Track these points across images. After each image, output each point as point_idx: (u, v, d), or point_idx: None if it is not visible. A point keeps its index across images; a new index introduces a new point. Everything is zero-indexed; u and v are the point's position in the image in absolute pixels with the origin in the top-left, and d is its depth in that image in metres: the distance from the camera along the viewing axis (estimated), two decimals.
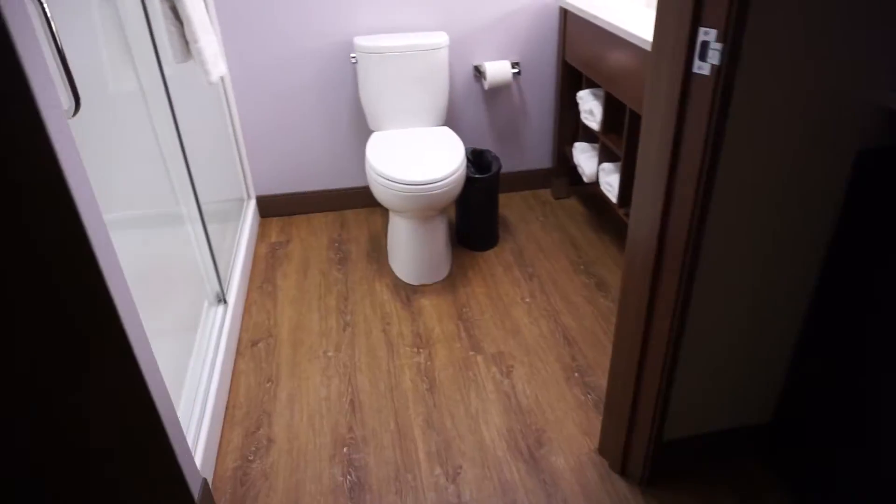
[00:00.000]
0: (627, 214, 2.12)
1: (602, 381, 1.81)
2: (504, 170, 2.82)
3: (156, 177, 1.58)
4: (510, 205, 2.77)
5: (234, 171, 2.51)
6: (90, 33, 1.31)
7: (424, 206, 2.01)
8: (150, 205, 1.53)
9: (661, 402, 1.35)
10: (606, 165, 2.24)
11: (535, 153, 2.81)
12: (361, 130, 2.61)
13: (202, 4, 1.76)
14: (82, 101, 1.02)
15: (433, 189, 1.97)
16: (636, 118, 1.98)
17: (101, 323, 0.94)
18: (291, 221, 2.70)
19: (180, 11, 1.64)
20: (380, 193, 2.06)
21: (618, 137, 2.19)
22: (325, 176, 2.69)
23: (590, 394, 1.77)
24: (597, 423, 1.67)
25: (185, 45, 1.70)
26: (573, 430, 1.65)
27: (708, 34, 0.94)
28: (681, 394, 1.36)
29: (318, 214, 2.75)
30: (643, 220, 1.21)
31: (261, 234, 2.61)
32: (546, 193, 2.86)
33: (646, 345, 1.32)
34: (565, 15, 2.39)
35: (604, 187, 2.26)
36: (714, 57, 0.94)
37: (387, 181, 1.99)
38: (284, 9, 2.31)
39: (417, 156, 2.12)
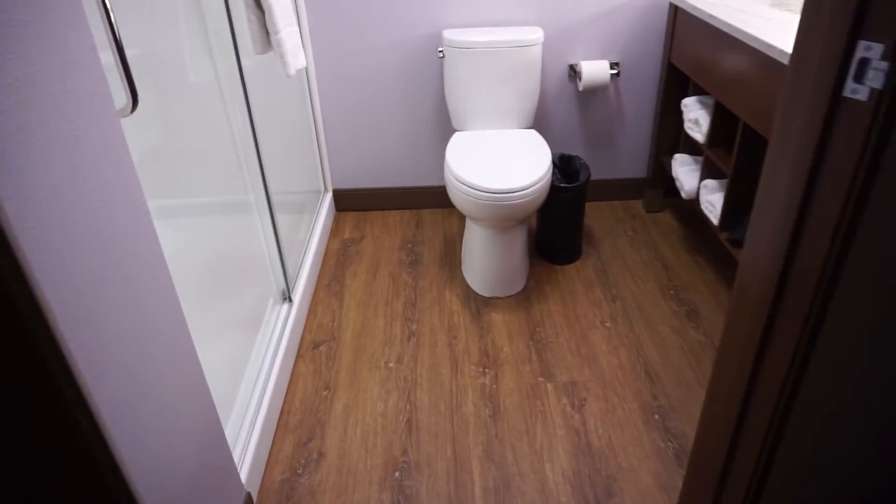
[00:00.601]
0: (731, 240, 1.89)
1: (686, 427, 1.61)
2: (593, 177, 2.63)
3: (226, 165, 1.53)
4: (597, 215, 2.57)
5: (313, 163, 2.46)
6: (171, 20, 1.26)
7: (503, 216, 1.87)
8: (218, 192, 1.48)
9: (761, 469, 1.16)
10: (709, 182, 2.01)
11: (628, 161, 2.60)
12: (445, 129, 2.50)
13: None
14: (154, 93, 0.95)
15: (513, 199, 1.82)
16: (750, 133, 1.75)
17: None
18: (367, 217, 2.63)
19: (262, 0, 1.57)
20: (457, 198, 1.94)
21: (725, 153, 1.96)
22: (403, 173, 2.60)
23: (671, 441, 1.58)
24: (677, 476, 1.48)
25: (266, 35, 1.63)
26: (648, 482, 1.48)
27: (870, 49, 0.74)
28: (786, 465, 1.16)
29: (394, 212, 2.67)
30: (759, 260, 1.02)
31: (335, 230, 2.55)
32: (637, 205, 2.64)
33: (748, 402, 1.13)
34: (675, 12, 2.17)
35: (704, 206, 2.03)
36: (876, 79, 0.74)
37: (464, 186, 1.86)
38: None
39: (500, 161, 1.97)
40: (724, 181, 2.00)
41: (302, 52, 1.79)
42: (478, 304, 2.08)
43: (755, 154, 1.79)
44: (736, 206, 1.89)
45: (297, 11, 2.20)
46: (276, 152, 1.89)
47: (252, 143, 1.65)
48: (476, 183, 1.83)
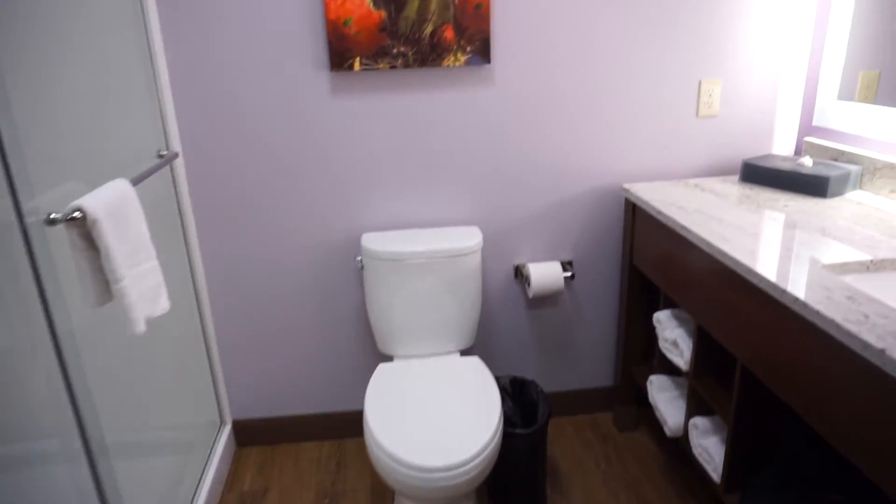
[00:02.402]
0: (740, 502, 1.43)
1: None
2: (553, 388, 2.19)
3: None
4: (560, 438, 2.11)
5: (205, 390, 1.94)
6: None
7: (441, 497, 1.38)
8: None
9: None
10: (700, 422, 1.60)
11: (592, 369, 2.19)
12: (369, 345, 2.05)
13: (137, 222, 1.27)
14: None
15: (454, 477, 1.34)
16: (750, 377, 1.37)
17: None
18: (275, 455, 2.08)
19: (96, 238, 1.14)
20: (381, 469, 1.44)
21: (716, 384, 1.56)
22: (320, 397, 2.10)
23: None
24: None
25: (105, 283, 1.19)
26: None
27: None
28: None
29: (310, 444, 2.13)
30: None
31: (232, 476, 1.98)
32: (606, 420, 2.20)
33: None
34: (633, 210, 1.87)
35: (697, 451, 1.60)
36: None
37: (388, 459, 1.38)
38: (272, 196, 1.85)
39: (435, 419, 1.51)
40: (717, 419, 1.59)
41: (164, 293, 1.34)
42: None
43: (760, 397, 1.39)
44: (743, 461, 1.46)
45: (183, 226, 1.79)
46: (127, 375, 1.38)
47: (55, 362, 1.13)
48: (403, 457, 1.35)
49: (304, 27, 1.69)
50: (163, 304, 1.33)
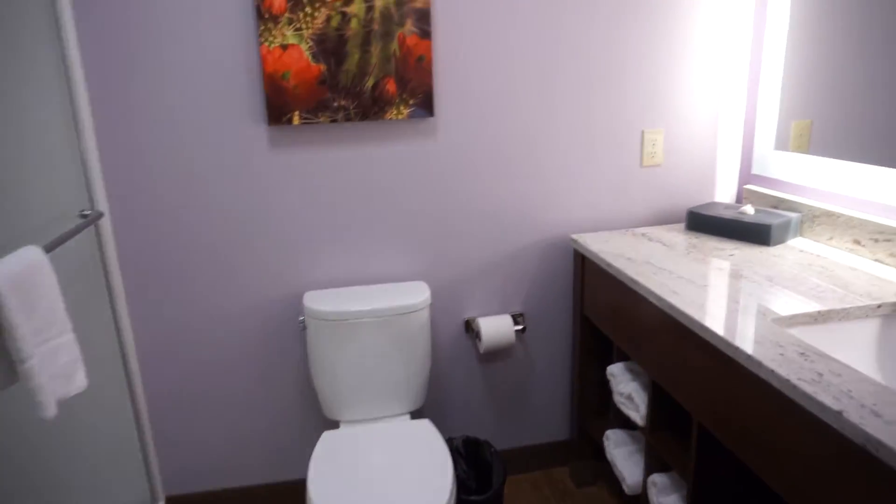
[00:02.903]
0: None
1: None
2: (508, 445, 2.12)
3: None
4: (518, 497, 2.02)
5: (134, 464, 1.78)
6: None
7: None
8: None
9: None
10: (659, 479, 1.55)
11: (547, 423, 2.13)
12: (313, 411, 1.94)
13: (49, 293, 1.16)
14: None
15: None
16: (707, 432, 1.33)
17: None
18: None
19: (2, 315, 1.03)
20: None
21: (673, 438, 1.52)
22: (263, 467, 1.96)
23: None
24: None
25: (9, 363, 1.07)
26: None
27: None
28: None
29: None
30: None
31: None
32: (563, 475, 2.13)
33: None
34: (582, 261, 1.85)
35: None
36: None
37: None
38: (208, 256, 1.75)
39: (382, 490, 1.41)
40: (676, 475, 1.55)
41: (81, 369, 1.22)
42: None
43: (719, 452, 1.36)
44: None
45: (109, 290, 1.67)
46: (42, 457, 1.24)
47: None
48: None
49: (241, 80, 1.63)
50: (79, 382, 1.21)
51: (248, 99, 1.65)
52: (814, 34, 1.64)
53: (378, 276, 1.85)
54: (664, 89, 1.86)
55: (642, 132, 1.89)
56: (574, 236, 1.84)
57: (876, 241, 1.48)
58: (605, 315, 1.73)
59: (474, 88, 1.76)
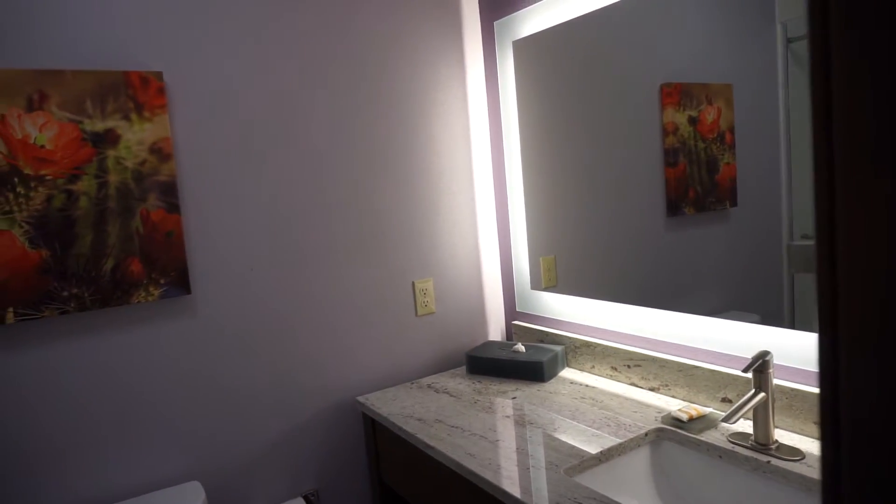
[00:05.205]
0: None
1: None
2: None
3: None
4: None
5: None
6: None
7: None
8: None
9: None
10: None
11: None
12: None
13: None
14: None
15: None
16: None
17: None
18: None
19: None
20: None
21: None
22: None
23: None
24: None
25: None
26: None
27: None
28: None
29: None
30: None
31: None
32: None
33: None
34: (373, 424, 1.75)
35: None
36: None
37: None
38: None
39: None
40: None
41: None
42: None
43: None
44: None
45: None
46: None
47: None
48: None
49: None
50: None
51: None
52: (544, 175, 1.86)
53: (140, 486, 1.53)
54: (428, 240, 1.94)
55: (413, 283, 1.92)
56: (360, 398, 1.75)
57: (629, 366, 1.65)
58: (404, 480, 1.63)
59: (236, 258, 1.64)
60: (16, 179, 1.35)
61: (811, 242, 1.24)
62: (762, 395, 1.21)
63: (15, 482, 1.40)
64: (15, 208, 1.35)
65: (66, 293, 1.41)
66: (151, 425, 1.55)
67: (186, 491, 1.52)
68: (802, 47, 1.23)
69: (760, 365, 1.22)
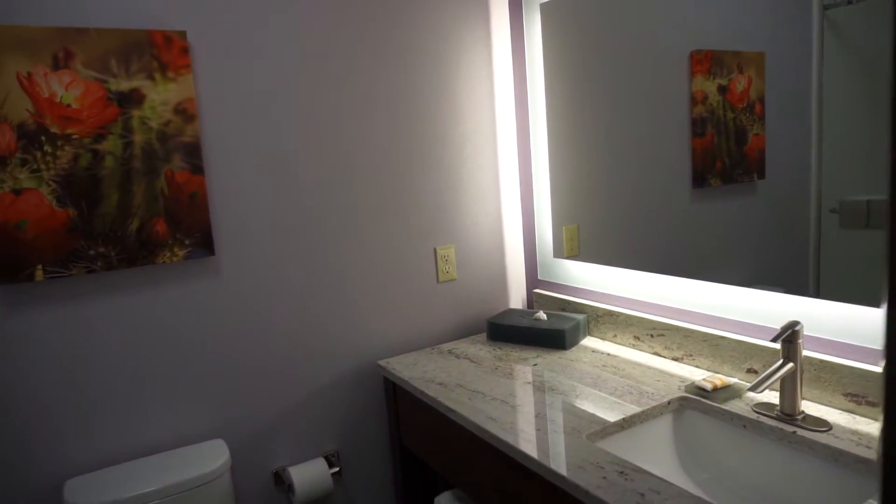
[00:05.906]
0: None
1: None
2: None
3: None
4: None
5: None
6: None
7: None
8: None
9: None
10: None
11: None
12: None
13: None
14: None
15: None
16: None
17: None
18: None
19: None
20: None
21: None
22: None
23: None
24: None
25: None
26: None
27: None
28: None
29: None
30: None
31: None
32: None
33: None
34: (394, 388, 1.77)
35: None
36: None
37: None
38: None
39: None
40: None
41: None
42: None
43: None
44: None
45: None
46: None
47: None
48: None
49: None
50: None
51: None
52: (569, 143, 1.83)
53: (164, 442, 1.57)
54: (451, 209, 1.93)
55: (434, 249, 1.91)
56: (381, 362, 1.76)
57: (652, 336, 1.63)
58: (424, 444, 1.65)
59: (259, 221, 1.64)
60: (43, 138, 1.36)
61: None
62: (790, 364, 1.19)
63: (32, 444, 1.43)
64: (42, 167, 1.36)
65: (92, 252, 1.43)
66: (176, 382, 1.57)
67: (211, 448, 1.55)
68: (840, 14, 1.17)
69: (790, 335, 1.20)
